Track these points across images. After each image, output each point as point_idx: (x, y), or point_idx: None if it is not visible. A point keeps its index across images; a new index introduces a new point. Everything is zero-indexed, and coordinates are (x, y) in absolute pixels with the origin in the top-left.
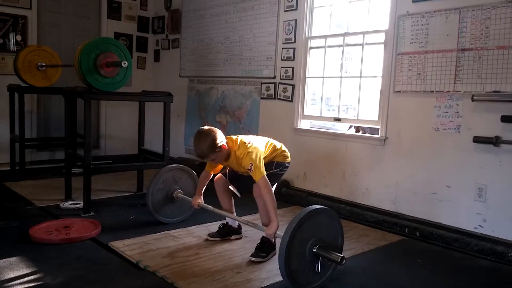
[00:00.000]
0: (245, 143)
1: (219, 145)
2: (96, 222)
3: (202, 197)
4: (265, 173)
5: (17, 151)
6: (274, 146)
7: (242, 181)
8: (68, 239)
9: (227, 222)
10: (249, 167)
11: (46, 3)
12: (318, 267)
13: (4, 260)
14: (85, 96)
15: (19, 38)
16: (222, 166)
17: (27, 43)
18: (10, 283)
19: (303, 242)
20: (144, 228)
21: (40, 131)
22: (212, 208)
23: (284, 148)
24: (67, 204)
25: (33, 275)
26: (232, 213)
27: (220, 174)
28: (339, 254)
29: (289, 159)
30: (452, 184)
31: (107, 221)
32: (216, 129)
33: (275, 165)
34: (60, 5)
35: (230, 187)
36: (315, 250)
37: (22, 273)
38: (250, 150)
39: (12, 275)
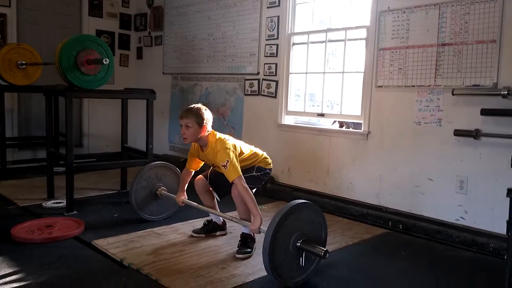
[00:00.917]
0: (223, 139)
1: (204, 117)
2: (79, 221)
3: (185, 193)
4: (241, 173)
5: None
6: (256, 152)
7: (222, 184)
8: (50, 238)
9: (211, 219)
10: (224, 163)
11: (25, 0)
12: (302, 261)
13: None
14: (66, 94)
15: None
16: (201, 163)
17: (7, 41)
18: None
19: (287, 237)
20: (128, 225)
21: (21, 130)
22: (197, 204)
23: (266, 155)
24: (49, 203)
25: (15, 274)
26: (216, 210)
27: (200, 176)
28: (323, 248)
29: (270, 166)
30: (434, 177)
31: (91, 219)
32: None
33: (256, 169)
34: (40, 2)
35: (210, 189)
36: (298, 244)
37: (4, 273)
38: (227, 146)
39: None
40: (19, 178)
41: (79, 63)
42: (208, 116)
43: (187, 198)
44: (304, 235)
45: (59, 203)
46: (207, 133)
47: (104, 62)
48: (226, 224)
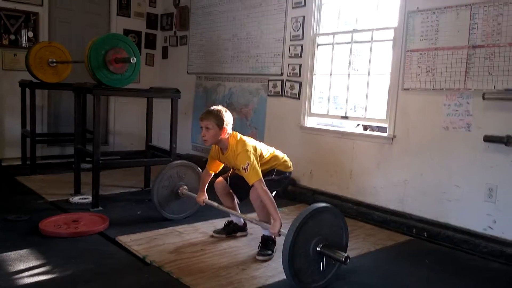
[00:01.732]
0: (244, 141)
1: (224, 119)
2: (104, 217)
3: (206, 193)
4: (261, 176)
5: (28, 146)
6: (276, 155)
7: (242, 187)
8: (76, 233)
9: (232, 220)
10: (245, 166)
11: (57, 0)
12: (322, 266)
13: (14, 252)
14: (94, 92)
15: (30, 34)
16: (221, 166)
17: (39, 39)
18: (20, 275)
19: (307, 241)
20: (150, 223)
21: (50, 127)
22: (217, 205)
23: (286, 158)
24: (76, 199)
25: (42, 267)
26: (237, 211)
27: (220, 178)
28: (344, 253)
29: (290, 169)
30: (462, 184)
31: (115, 216)
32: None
33: (275, 172)
34: (70, 2)
35: (230, 191)
36: (319, 249)
37: (31, 265)
38: (248, 148)
39: (22, 267)
40: (48, 173)
41: (108, 61)
42: (228, 117)
43: (207, 198)
44: (325, 239)
45: (85, 198)
46: (228, 135)
47: (131, 61)
48: (247, 225)
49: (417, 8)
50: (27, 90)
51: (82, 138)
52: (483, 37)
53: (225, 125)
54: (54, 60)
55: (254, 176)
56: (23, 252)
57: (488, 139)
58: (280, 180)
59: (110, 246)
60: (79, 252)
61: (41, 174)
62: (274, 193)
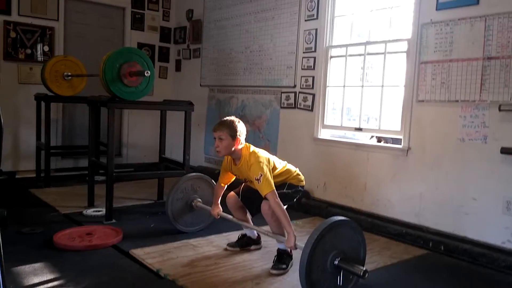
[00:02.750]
0: (257, 152)
1: (237, 129)
2: (117, 230)
3: (220, 206)
4: (274, 188)
5: (43, 159)
6: (289, 169)
7: (255, 201)
8: (90, 246)
9: (246, 233)
10: (258, 177)
11: (72, 14)
12: (340, 280)
13: (29, 265)
14: (109, 105)
15: (46, 48)
16: (233, 178)
17: (54, 53)
18: None
19: (324, 255)
20: (164, 236)
21: (64, 139)
22: (232, 217)
23: (299, 172)
24: (89, 211)
25: (56, 281)
26: (250, 224)
27: (232, 192)
28: (362, 267)
29: (303, 183)
30: (479, 196)
31: (128, 228)
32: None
33: (287, 186)
34: (85, 16)
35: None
36: (336, 262)
37: (46, 279)
38: (261, 160)
39: (36, 280)
40: (62, 186)
41: (122, 75)
42: (241, 128)
43: (222, 210)
44: (343, 253)
45: (99, 211)
46: (241, 146)
47: (145, 74)
48: (260, 238)
49: (431, 20)
50: (42, 103)
51: (96, 150)
52: (498, 49)
53: (238, 136)
54: (69, 74)
55: (267, 187)
56: (37, 265)
57: (505, 151)
58: (292, 194)
59: (124, 259)
60: (93, 265)
61: (55, 186)
62: (285, 206)
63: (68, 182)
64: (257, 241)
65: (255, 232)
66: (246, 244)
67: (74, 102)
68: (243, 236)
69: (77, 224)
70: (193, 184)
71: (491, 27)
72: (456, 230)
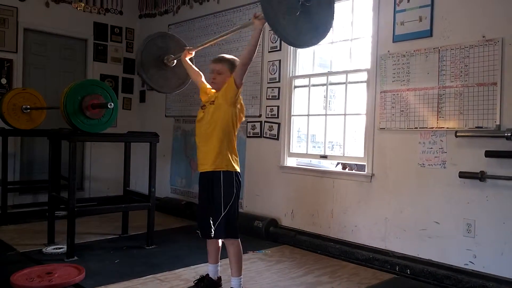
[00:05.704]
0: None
1: (236, 65)
2: (79, 267)
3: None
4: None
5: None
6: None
7: (205, 222)
8: (50, 286)
9: (207, 274)
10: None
11: (32, 46)
12: None
13: None
14: (70, 138)
15: (4, 81)
16: (201, 78)
17: (12, 86)
18: None
19: None
20: (129, 272)
21: (23, 174)
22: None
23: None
24: (50, 249)
25: None
26: (217, 263)
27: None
28: None
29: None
30: (441, 220)
31: (92, 265)
32: None
33: (235, 175)
34: (46, 48)
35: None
36: None
37: None
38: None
39: None
40: (20, 223)
41: (84, 107)
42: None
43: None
44: None
45: (60, 248)
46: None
47: (108, 106)
48: (221, 280)
49: (388, 51)
50: (0, 138)
51: (56, 184)
52: (452, 78)
53: (235, 65)
54: (28, 107)
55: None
56: None
57: (463, 175)
58: (237, 187)
59: None
60: None
61: (12, 223)
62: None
63: (26, 219)
64: (217, 283)
65: (217, 273)
66: (206, 287)
67: (33, 135)
68: (203, 277)
69: (36, 263)
70: (163, 42)
71: (445, 57)
72: (421, 254)
